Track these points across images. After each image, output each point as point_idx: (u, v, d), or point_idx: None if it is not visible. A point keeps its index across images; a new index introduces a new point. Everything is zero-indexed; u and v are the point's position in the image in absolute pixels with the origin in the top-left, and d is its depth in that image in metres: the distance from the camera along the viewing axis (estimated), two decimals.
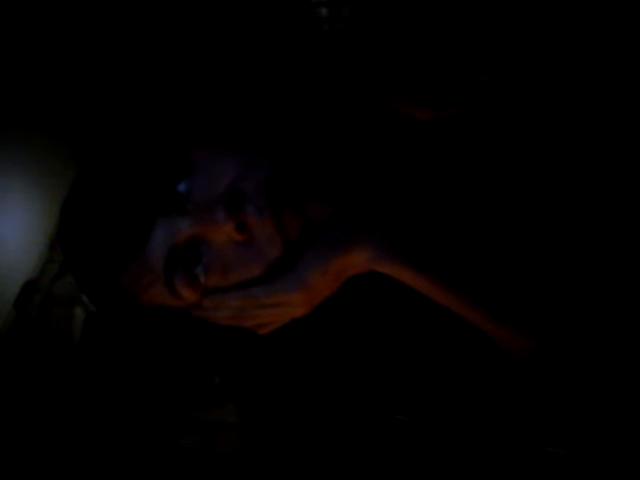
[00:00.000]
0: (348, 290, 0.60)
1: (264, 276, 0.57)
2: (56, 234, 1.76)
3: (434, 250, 0.56)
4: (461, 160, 0.64)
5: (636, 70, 0.62)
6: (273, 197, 0.55)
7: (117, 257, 0.57)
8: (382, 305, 0.63)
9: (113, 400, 1.52)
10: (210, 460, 1.36)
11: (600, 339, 0.55)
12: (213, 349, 0.65)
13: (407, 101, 0.61)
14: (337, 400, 0.65)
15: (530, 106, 0.63)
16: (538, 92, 0.62)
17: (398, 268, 0.56)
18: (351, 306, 0.63)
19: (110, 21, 1.68)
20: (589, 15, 0.62)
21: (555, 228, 0.61)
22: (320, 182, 0.59)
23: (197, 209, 0.56)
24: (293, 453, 0.72)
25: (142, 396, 1.48)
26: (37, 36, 1.72)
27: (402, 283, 0.57)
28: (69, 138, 1.84)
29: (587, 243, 0.59)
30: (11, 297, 1.71)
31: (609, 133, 0.61)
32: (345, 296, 0.61)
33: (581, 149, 0.62)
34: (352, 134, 0.65)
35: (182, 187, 0.57)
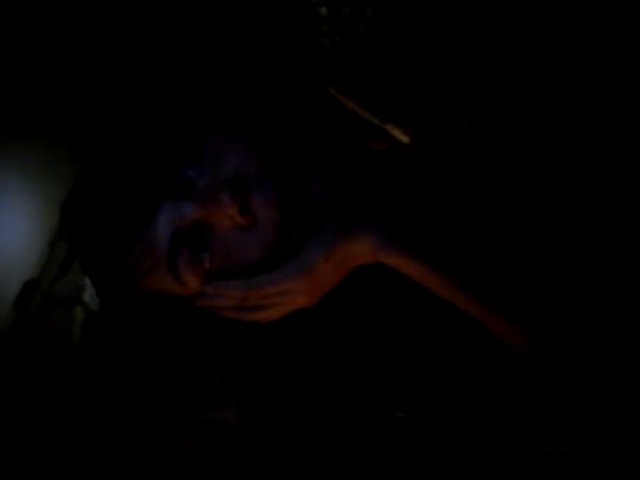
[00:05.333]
0: (349, 290, 0.60)
1: (267, 264, 0.57)
2: (57, 234, 1.77)
3: (440, 243, 0.56)
4: (465, 163, 0.64)
5: (617, 106, 0.61)
6: (277, 181, 0.56)
7: (122, 237, 0.57)
8: (384, 303, 0.63)
9: (113, 401, 1.53)
10: (210, 461, 1.36)
11: (605, 336, 0.55)
12: (214, 349, 0.65)
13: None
14: (338, 399, 0.65)
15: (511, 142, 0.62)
16: (518, 133, 0.62)
17: (404, 258, 0.55)
18: (352, 306, 0.63)
19: (113, 15, 1.68)
20: (570, 61, 0.62)
21: (560, 225, 0.60)
22: (324, 169, 0.59)
23: (203, 194, 0.56)
24: (293, 453, 0.73)
25: (142, 397, 1.48)
26: (35, 33, 1.72)
27: (406, 277, 0.56)
28: (70, 139, 1.84)
29: (592, 239, 0.59)
30: (11, 297, 1.71)
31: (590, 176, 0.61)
32: (346, 296, 0.61)
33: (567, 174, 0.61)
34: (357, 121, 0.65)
35: (189, 173, 0.57)
